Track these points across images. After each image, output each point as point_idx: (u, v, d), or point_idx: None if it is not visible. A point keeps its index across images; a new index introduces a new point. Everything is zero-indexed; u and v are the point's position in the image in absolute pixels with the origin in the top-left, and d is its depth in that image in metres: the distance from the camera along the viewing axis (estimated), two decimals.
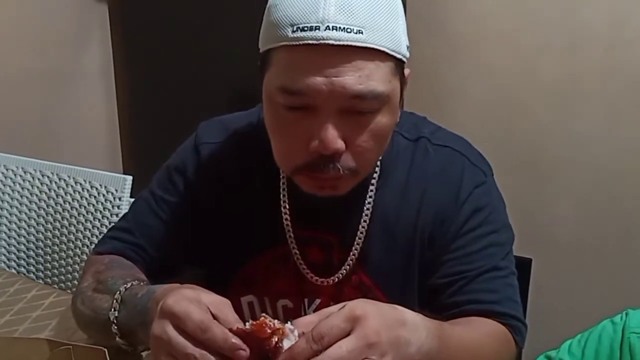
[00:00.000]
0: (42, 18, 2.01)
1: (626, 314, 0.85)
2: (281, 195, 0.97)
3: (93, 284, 0.94)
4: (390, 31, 0.80)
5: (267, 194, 0.98)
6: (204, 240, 1.01)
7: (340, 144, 0.80)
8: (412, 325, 0.72)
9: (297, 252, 0.97)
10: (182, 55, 2.07)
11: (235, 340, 0.68)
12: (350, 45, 0.77)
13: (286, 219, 0.96)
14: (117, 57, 2.22)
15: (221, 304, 0.72)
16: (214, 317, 0.71)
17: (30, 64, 1.99)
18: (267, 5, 0.84)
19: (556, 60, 2.10)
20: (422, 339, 0.73)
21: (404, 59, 0.84)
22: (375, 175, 0.95)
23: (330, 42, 0.76)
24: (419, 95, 2.24)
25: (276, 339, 0.67)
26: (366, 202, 0.95)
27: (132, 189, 1.43)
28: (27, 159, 1.58)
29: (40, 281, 1.50)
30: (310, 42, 0.76)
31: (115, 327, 0.85)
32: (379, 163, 0.95)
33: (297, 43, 0.77)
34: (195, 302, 0.71)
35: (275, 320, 0.68)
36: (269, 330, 0.68)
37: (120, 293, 0.85)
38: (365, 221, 0.95)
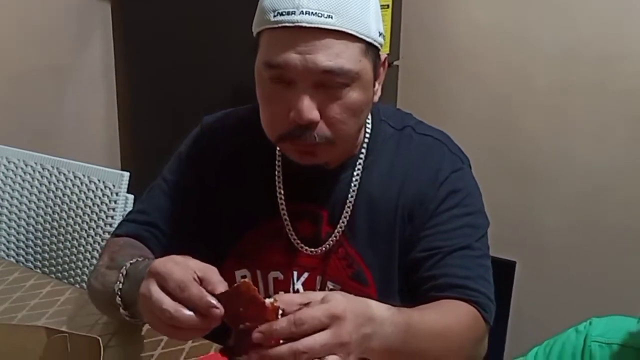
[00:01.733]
0: (45, 16, 2.03)
1: (590, 323, 0.89)
2: (276, 172, 1.06)
3: (107, 263, 1.02)
4: (358, 17, 0.91)
5: (263, 170, 1.07)
6: (207, 217, 1.09)
7: (314, 114, 0.91)
8: (379, 320, 0.80)
9: (289, 224, 1.05)
10: (183, 54, 2.09)
11: (210, 299, 0.74)
12: (321, 28, 0.89)
13: (280, 193, 1.05)
14: (118, 55, 2.24)
15: (207, 268, 0.78)
16: (200, 279, 0.77)
17: (33, 61, 2.01)
18: None
19: (549, 71, 2.14)
20: (387, 333, 0.80)
21: (375, 44, 0.95)
22: (362, 155, 1.05)
23: (303, 24, 0.88)
24: (415, 101, 2.28)
25: None
26: (353, 179, 1.04)
27: (129, 184, 1.47)
28: (29, 152, 1.61)
29: (38, 271, 1.53)
30: (287, 24, 0.89)
31: (119, 299, 0.91)
32: (365, 145, 1.05)
33: (277, 25, 0.90)
34: (182, 264, 0.78)
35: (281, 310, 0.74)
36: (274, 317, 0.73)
37: (125, 267, 0.92)
38: (352, 196, 1.04)
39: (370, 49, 0.94)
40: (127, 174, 1.48)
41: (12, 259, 1.59)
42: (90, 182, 1.51)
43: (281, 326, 0.73)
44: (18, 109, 1.99)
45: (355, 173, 1.05)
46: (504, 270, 1.99)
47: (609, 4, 2.01)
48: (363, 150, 1.05)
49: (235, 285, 0.75)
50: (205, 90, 2.06)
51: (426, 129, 1.09)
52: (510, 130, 2.23)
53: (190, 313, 0.75)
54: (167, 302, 0.76)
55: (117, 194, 1.46)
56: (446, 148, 1.07)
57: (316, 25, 0.88)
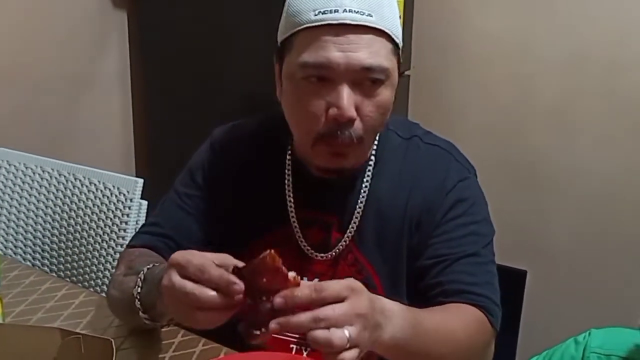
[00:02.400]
0: (61, 24, 2.05)
1: (589, 334, 0.90)
2: (285, 180, 1.08)
3: (124, 271, 1.04)
4: (391, 18, 0.95)
5: (273, 179, 1.09)
6: (220, 227, 1.11)
7: (353, 112, 0.94)
8: (390, 314, 0.82)
9: (299, 231, 1.07)
10: (198, 62, 2.11)
11: (230, 276, 0.77)
12: (363, 25, 0.92)
13: (290, 202, 1.07)
14: (134, 63, 2.26)
15: (223, 256, 0.81)
16: (219, 266, 0.79)
17: (50, 68, 2.04)
18: (286, 2, 0.98)
19: (555, 80, 2.15)
20: (397, 327, 0.83)
21: (400, 46, 0.98)
22: (371, 163, 1.06)
23: (348, 21, 0.91)
24: (426, 110, 2.30)
25: None
26: (363, 186, 1.06)
27: (142, 191, 1.49)
28: (46, 158, 1.63)
29: (54, 274, 1.55)
30: (331, 22, 0.91)
31: (139, 302, 0.93)
32: (374, 152, 1.06)
33: (320, 24, 0.92)
34: (199, 254, 0.81)
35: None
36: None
37: (143, 272, 0.95)
38: (361, 202, 1.06)
39: (397, 50, 0.98)
40: (141, 181, 1.50)
41: (28, 263, 1.61)
42: (105, 188, 1.53)
43: (302, 292, 0.76)
44: (35, 115, 2.02)
45: (364, 180, 1.06)
46: (515, 279, 2.01)
47: (613, 13, 2.02)
48: (372, 158, 1.07)
49: (262, 256, 0.77)
50: (220, 97, 2.08)
51: (433, 139, 1.11)
52: (520, 139, 2.24)
53: (214, 292, 0.78)
54: (190, 285, 0.79)
55: (131, 200, 1.48)
56: (453, 158, 1.09)
57: (360, 23, 0.91)
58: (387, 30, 0.94)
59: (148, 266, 0.96)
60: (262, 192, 1.10)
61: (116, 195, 1.51)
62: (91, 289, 1.48)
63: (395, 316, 0.83)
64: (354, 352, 0.76)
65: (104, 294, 1.34)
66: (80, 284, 1.52)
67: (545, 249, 2.24)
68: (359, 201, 1.06)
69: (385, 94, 0.96)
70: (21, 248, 1.64)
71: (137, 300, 0.94)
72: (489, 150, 2.25)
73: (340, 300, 0.76)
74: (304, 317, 0.75)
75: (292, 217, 1.07)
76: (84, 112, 2.17)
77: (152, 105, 2.26)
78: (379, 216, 1.06)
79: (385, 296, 1.05)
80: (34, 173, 1.63)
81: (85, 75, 2.17)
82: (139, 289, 0.94)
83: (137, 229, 1.21)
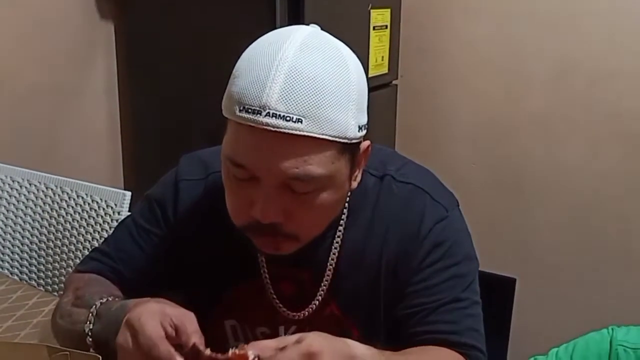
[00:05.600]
0: (49, 35, 2.05)
1: (612, 329, 0.91)
2: None
3: (72, 300, 0.99)
4: (333, 119, 0.81)
5: (243, 232, 0.99)
6: (185, 270, 1.04)
7: (276, 217, 0.84)
8: (361, 358, 0.78)
9: (270, 286, 1.01)
10: (185, 74, 2.11)
11: (178, 358, 0.74)
12: (288, 133, 0.80)
13: (260, 255, 1.00)
14: (121, 75, 2.26)
15: (184, 316, 0.78)
16: (176, 328, 0.77)
17: (37, 79, 2.03)
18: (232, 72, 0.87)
19: (541, 89, 2.17)
20: None
21: (354, 142, 0.86)
22: (343, 217, 0.99)
23: (269, 128, 0.79)
24: (413, 119, 2.31)
25: None
26: (335, 238, 0.99)
27: (130, 204, 1.48)
28: (33, 171, 1.62)
29: (42, 289, 1.55)
30: (251, 124, 0.80)
31: (90, 340, 0.90)
32: (346, 204, 0.99)
33: (241, 122, 0.81)
34: (158, 314, 0.78)
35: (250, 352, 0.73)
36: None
37: (95, 307, 0.91)
38: (334, 255, 0.99)
39: (348, 147, 0.86)
40: (128, 194, 1.49)
41: (15, 277, 1.60)
42: (92, 201, 1.52)
43: None
44: (22, 128, 2.01)
45: (337, 234, 0.99)
46: (504, 287, 2.01)
47: (599, 23, 2.05)
48: (345, 211, 0.99)
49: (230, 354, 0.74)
50: (207, 110, 2.07)
51: (407, 175, 1.01)
52: (508, 147, 2.25)
53: None
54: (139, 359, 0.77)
55: (119, 213, 1.48)
56: (428, 197, 1.00)
57: (283, 130, 0.79)
58: (322, 137, 0.81)
59: (101, 300, 0.92)
60: (231, 244, 0.98)
61: (104, 209, 1.50)
62: None
63: None
64: None
65: None
66: None
67: (534, 256, 2.25)
68: (332, 253, 0.99)
69: (324, 198, 0.86)
70: (8, 262, 1.63)
71: (88, 337, 0.90)
72: (476, 157, 2.26)
73: None
74: None
75: (264, 271, 1.01)
76: (71, 124, 2.16)
77: (140, 117, 2.25)
78: (354, 267, 0.99)
79: None
80: (20, 186, 1.62)
81: (73, 86, 2.16)
82: (91, 325, 0.90)
83: (88, 253, 1.14)
